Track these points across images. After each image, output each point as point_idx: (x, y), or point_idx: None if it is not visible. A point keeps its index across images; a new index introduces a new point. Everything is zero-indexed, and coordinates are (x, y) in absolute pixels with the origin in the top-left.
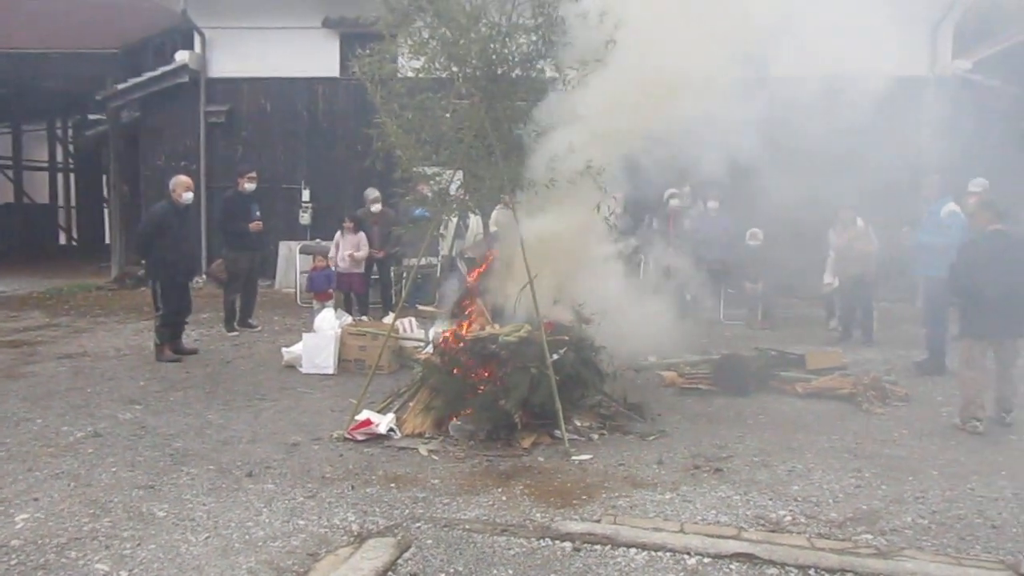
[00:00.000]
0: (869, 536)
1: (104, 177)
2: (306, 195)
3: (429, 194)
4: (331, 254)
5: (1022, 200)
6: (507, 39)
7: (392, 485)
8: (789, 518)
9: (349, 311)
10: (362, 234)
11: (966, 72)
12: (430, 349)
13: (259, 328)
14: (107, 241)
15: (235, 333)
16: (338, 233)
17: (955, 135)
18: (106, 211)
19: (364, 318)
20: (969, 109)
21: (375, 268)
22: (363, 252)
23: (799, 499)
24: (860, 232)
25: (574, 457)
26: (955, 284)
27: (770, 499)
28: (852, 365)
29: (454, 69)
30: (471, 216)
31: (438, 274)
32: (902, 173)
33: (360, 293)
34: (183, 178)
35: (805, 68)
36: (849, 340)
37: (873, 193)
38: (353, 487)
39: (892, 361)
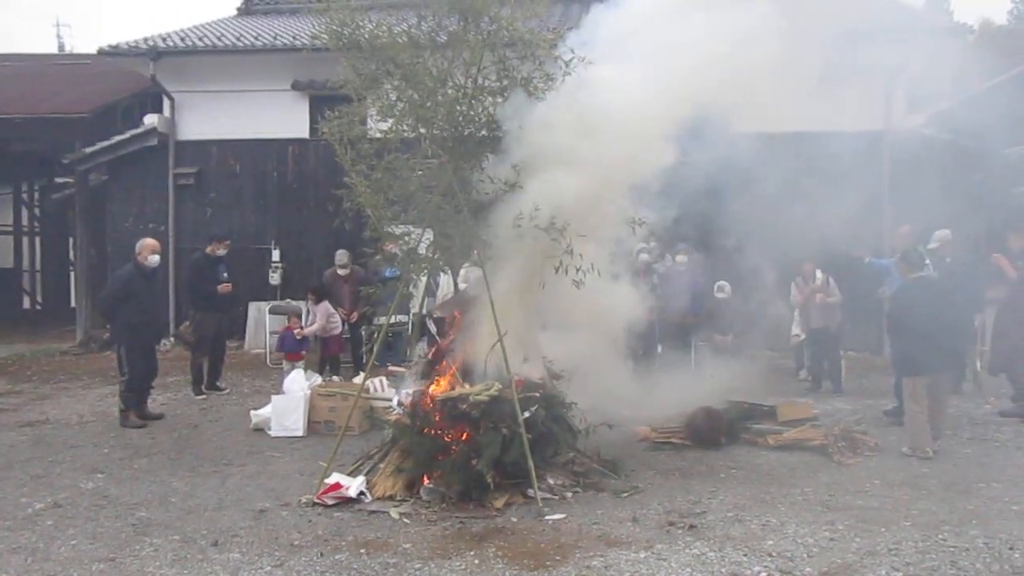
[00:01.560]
0: None
1: (70, 240)
2: (276, 255)
3: (398, 253)
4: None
5: (977, 246)
6: (473, 101)
7: (363, 551)
8: (764, 574)
9: (321, 371)
10: (325, 304)
11: (919, 127)
12: (399, 410)
13: (227, 391)
14: (72, 305)
15: (203, 396)
16: (304, 302)
17: (912, 187)
18: (72, 275)
19: (335, 378)
20: (924, 162)
21: (346, 328)
22: (313, 328)
23: (774, 554)
24: (821, 285)
25: (547, 517)
26: (889, 328)
27: (745, 555)
28: (822, 416)
29: (421, 130)
30: (441, 275)
31: (409, 333)
32: (866, 225)
33: (335, 355)
34: (149, 241)
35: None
36: (818, 391)
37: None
38: (322, 554)
39: (861, 411)
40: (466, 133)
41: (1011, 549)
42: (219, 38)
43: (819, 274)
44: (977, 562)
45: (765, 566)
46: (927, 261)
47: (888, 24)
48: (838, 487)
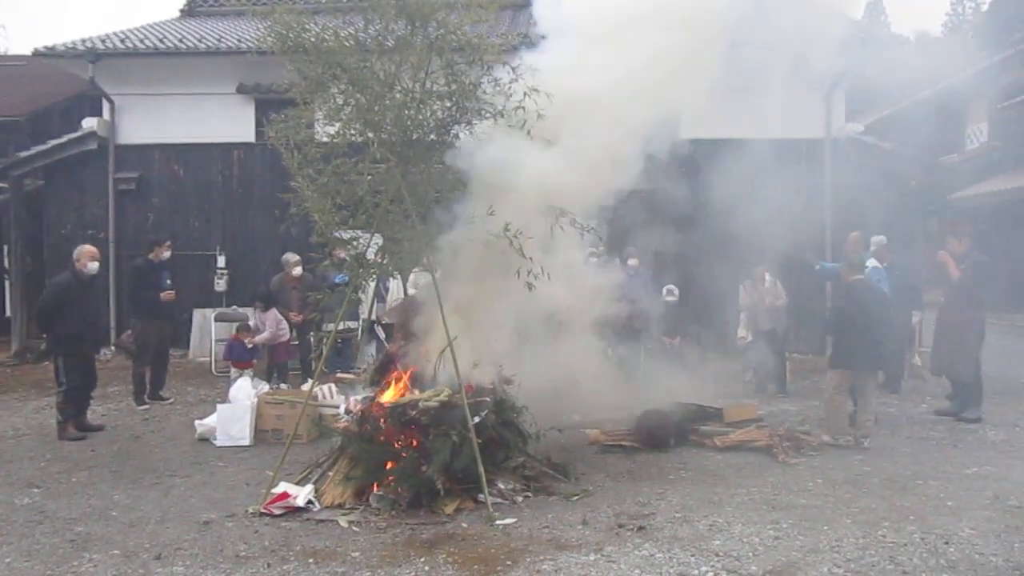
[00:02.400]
0: None
1: (4, 248)
2: (221, 261)
3: (346, 258)
4: (252, 326)
5: (915, 250)
6: (421, 105)
7: (311, 560)
8: (711, 574)
9: (269, 378)
10: (272, 311)
11: (859, 134)
12: (347, 417)
13: (171, 400)
14: (7, 315)
15: (145, 407)
16: (252, 309)
17: (853, 193)
18: (6, 283)
19: (283, 385)
20: (864, 168)
21: (294, 334)
22: (263, 336)
23: (720, 554)
24: (769, 288)
25: (498, 522)
26: (825, 325)
27: (692, 555)
28: (767, 417)
29: (369, 135)
30: (391, 280)
31: (358, 338)
32: (812, 229)
33: (283, 362)
34: (87, 247)
35: (716, 131)
36: (764, 393)
37: (784, 249)
38: (269, 565)
39: (805, 411)
40: (414, 137)
41: (946, 544)
42: (161, 40)
43: (768, 277)
44: (914, 557)
45: (712, 566)
46: (869, 266)
47: (828, 34)
48: (782, 486)
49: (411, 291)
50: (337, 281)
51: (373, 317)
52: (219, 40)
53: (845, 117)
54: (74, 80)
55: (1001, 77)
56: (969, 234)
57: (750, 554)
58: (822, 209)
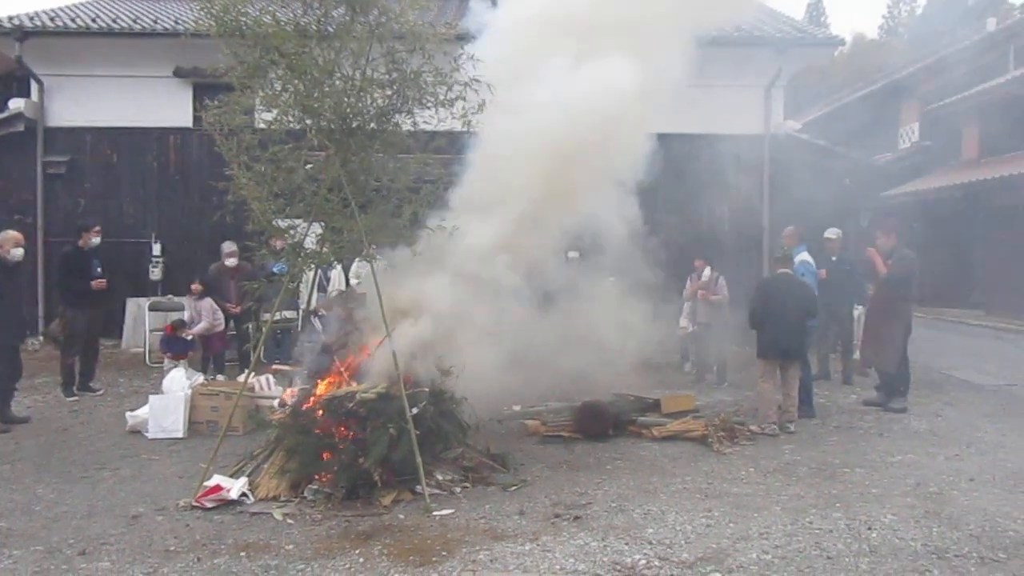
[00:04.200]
0: (718, 574)
1: None
2: (156, 249)
3: (282, 247)
4: (187, 316)
5: (847, 245)
6: (361, 93)
7: (243, 554)
8: (644, 561)
9: (205, 370)
10: (208, 300)
11: (796, 131)
12: (283, 409)
13: (101, 392)
14: None
15: (74, 398)
16: (186, 298)
17: (790, 188)
18: None
19: (219, 377)
20: (800, 165)
21: (231, 324)
22: (200, 327)
23: (653, 542)
24: (709, 282)
25: (435, 512)
26: (750, 315)
27: (626, 544)
28: (704, 407)
29: (308, 122)
30: (332, 270)
31: (298, 329)
32: (751, 224)
33: (219, 352)
34: (11, 233)
35: (659, 126)
36: (702, 383)
37: (726, 243)
38: (199, 559)
39: (741, 402)
40: (354, 125)
41: (869, 529)
42: (94, 19)
43: (708, 271)
44: (839, 543)
45: (645, 553)
46: (798, 260)
47: (769, 35)
48: (716, 475)
49: (353, 281)
50: (275, 270)
51: (312, 307)
52: (155, 21)
53: (784, 115)
54: (1, 60)
55: (933, 79)
56: (897, 230)
57: (682, 541)
58: (761, 203)
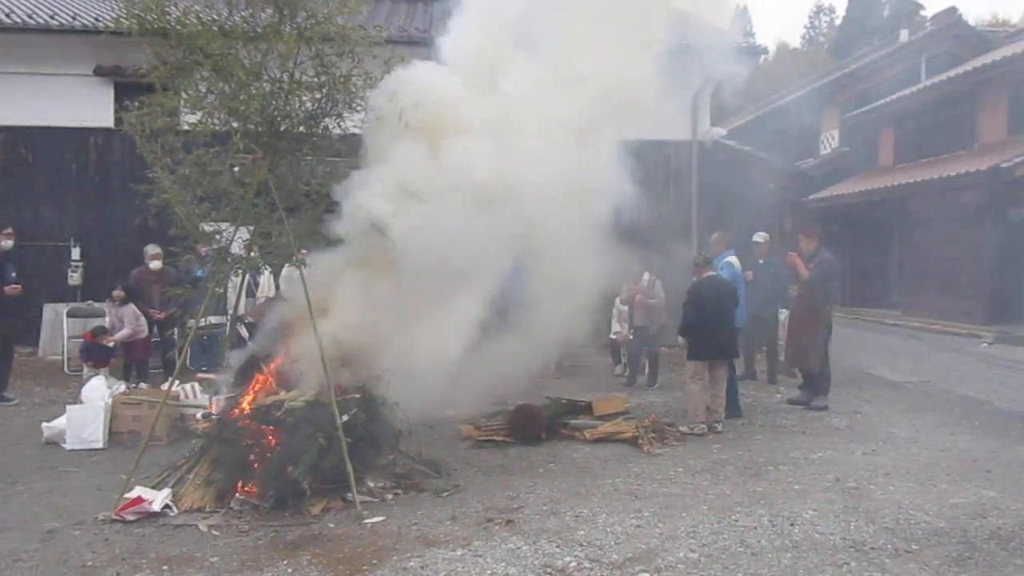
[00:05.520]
0: (646, 574)
1: None
2: (76, 253)
3: (206, 252)
4: (108, 322)
5: (775, 246)
6: (289, 96)
7: (165, 568)
8: (574, 564)
9: (127, 378)
10: (131, 306)
11: (722, 137)
12: (208, 417)
13: (15, 401)
14: None
15: None
16: (107, 304)
17: (718, 192)
18: None
19: (142, 385)
20: (727, 171)
21: (155, 331)
22: (123, 334)
23: (584, 544)
24: (646, 287)
25: (366, 520)
26: (685, 321)
27: (557, 547)
28: (635, 409)
29: (234, 124)
30: (260, 275)
31: (226, 335)
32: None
33: (142, 359)
34: None
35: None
36: (633, 385)
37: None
38: (119, 574)
39: (671, 403)
40: (282, 128)
41: (791, 525)
42: (7, 15)
43: (646, 276)
44: (762, 539)
45: (575, 556)
46: (722, 263)
47: (695, 42)
48: (646, 476)
49: (284, 286)
50: (199, 275)
51: (239, 313)
52: (74, 17)
53: (710, 121)
54: None
55: (851, 88)
56: (818, 234)
57: (612, 543)
58: (689, 208)
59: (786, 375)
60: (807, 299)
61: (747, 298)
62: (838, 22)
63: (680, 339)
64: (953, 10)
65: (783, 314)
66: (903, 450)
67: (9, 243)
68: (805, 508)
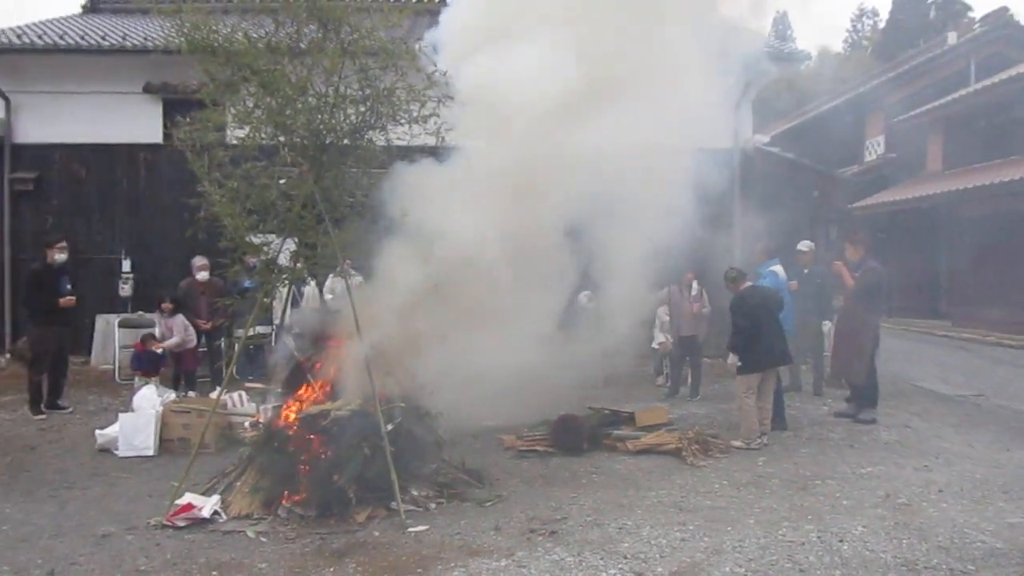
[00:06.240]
0: None
1: None
2: (126, 265)
3: (254, 263)
4: (158, 332)
5: (820, 255)
6: (334, 110)
7: (215, 573)
8: None
9: (176, 387)
10: (179, 317)
11: (764, 144)
12: (256, 426)
13: (70, 410)
14: None
15: (42, 416)
16: (157, 314)
17: (761, 201)
18: None
19: (191, 394)
20: (769, 179)
21: (203, 341)
22: (172, 342)
23: (629, 556)
24: (697, 296)
25: (410, 529)
26: (738, 332)
27: (601, 559)
28: (678, 420)
29: (281, 138)
30: (306, 286)
31: (272, 345)
32: (723, 237)
33: (191, 369)
34: None
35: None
36: (676, 396)
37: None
38: None
39: (714, 415)
40: (328, 141)
41: (840, 541)
42: (61, 36)
43: (695, 285)
44: (811, 555)
45: (620, 568)
46: (766, 272)
47: (735, 49)
48: (690, 489)
49: (328, 297)
50: (247, 286)
51: (284, 324)
52: (124, 38)
53: (752, 129)
54: None
55: (897, 91)
56: (865, 243)
57: (657, 556)
58: (731, 217)
59: (832, 387)
60: (853, 309)
61: (792, 308)
62: (882, 25)
63: (731, 356)
64: (1004, 10)
65: (827, 325)
66: (956, 466)
67: (63, 256)
68: (854, 524)
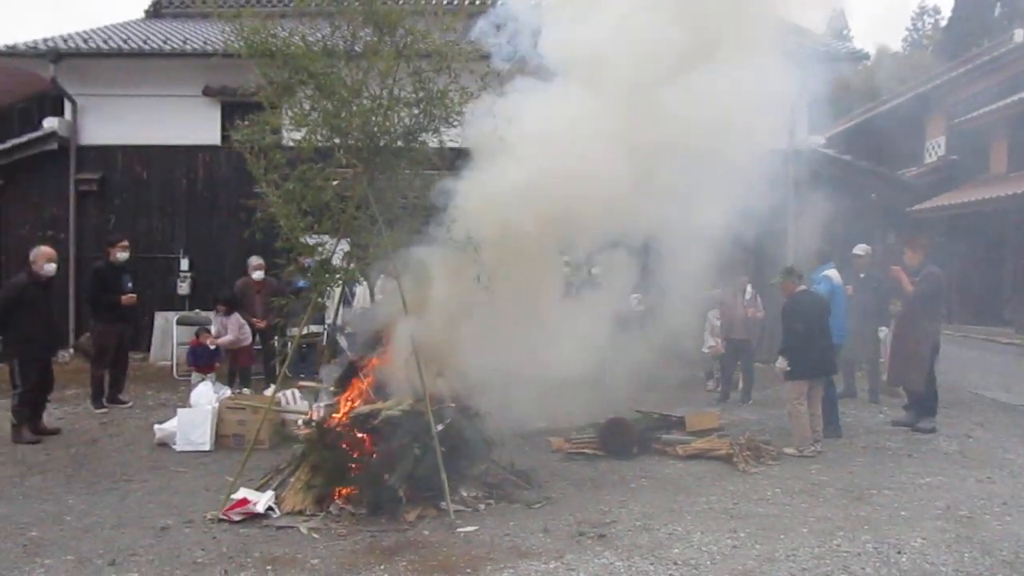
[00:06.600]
0: None
1: None
2: (184, 264)
3: (309, 263)
4: (214, 331)
5: (879, 259)
6: (388, 112)
7: (269, 568)
8: None
9: (231, 383)
10: (235, 315)
11: (820, 146)
12: (309, 424)
13: (130, 404)
14: None
15: (103, 410)
16: (214, 313)
17: (816, 204)
18: None
19: (245, 390)
20: (824, 181)
21: (258, 339)
22: (226, 339)
23: (679, 562)
24: (752, 299)
25: (459, 529)
26: (793, 336)
27: (651, 564)
28: (729, 426)
29: (336, 140)
30: (357, 285)
31: (323, 344)
32: (776, 241)
33: (246, 367)
34: (45, 249)
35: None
36: (726, 401)
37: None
38: (227, 571)
39: (766, 420)
40: (382, 144)
41: (899, 553)
42: (125, 41)
43: (750, 289)
44: (867, 566)
45: (670, 574)
46: (824, 275)
47: (790, 48)
48: (741, 495)
49: (378, 297)
50: (301, 286)
51: (337, 323)
52: (184, 42)
53: (807, 130)
54: (35, 79)
55: (959, 92)
56: (924, 247)
57: (708, 563)
58: (785, 220)
59: (889, 394)
60: (912, 315)
61: (847, 313)
62: (943, 23)
63: (781, 360)
64: None
65: (883, 331)
66: (1021, 478)
67: (126, 255)
68: (913, 536)
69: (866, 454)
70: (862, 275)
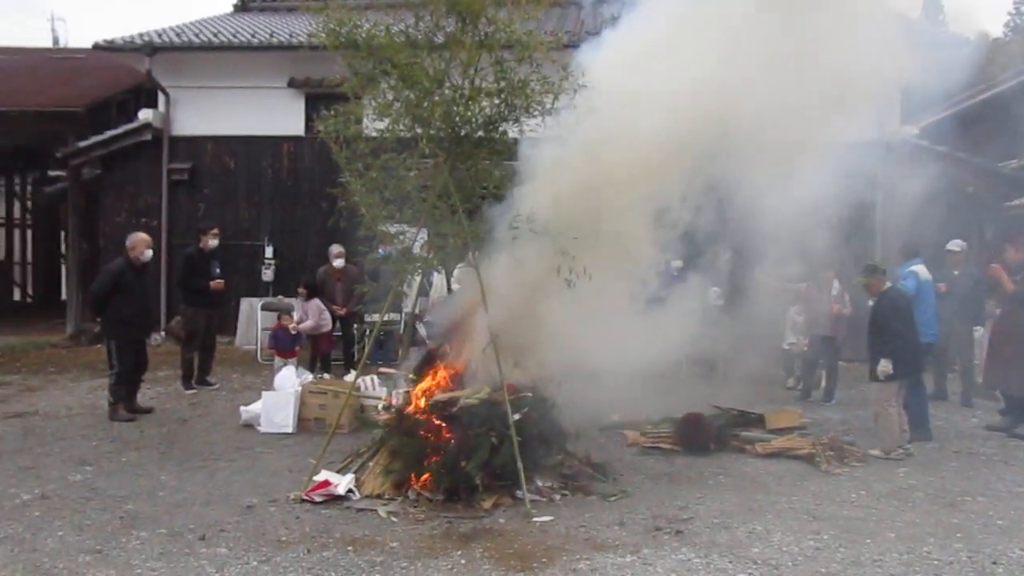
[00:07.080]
0: None
1: (62, 234)
2: (269, 252)
3: (387, 251)
4: (296, 317)
5: (975, 256)
6: (470, 102)
7: (349, 548)
8: None
9: (312, 368)
10: (316, 301)
11: (914, 137)
12: (388, 410)
13: (217, 386)
14: (63, 298)
15: (193, 391)
16: (296, 299)
17: (908, 197)
18: (63, 268)
19: (326, 376)
20: (920, 173)
21: (337, 325)
22: (307, 324)
23: (759, 562)
24: (839, 296)
25: (535, 519)
26: (889, 335)
27: (730, 562)
28: (811, 425)
29: (418, 130)
30: (435, 274)
31: (401, 332)
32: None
33: (326, 352)
34: (141, 235)
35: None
36: (808, 399)
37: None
38: (309, 551)
39: (849, 420)
40: (463, 134)
41: (994, 564)
42: (215, 35)
43: (836, 284)
44: None
45: (750, 573)
46: (910, 271)
47: (884, 36)
48: (824, 497)
49: (455, 286)
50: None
51: (415, 312)
52: (271, 35)
53: (900, 120)
54: (131, 73)
55: None
56: None
57: (789, 563)
58: (874, 213)
59: (984, 398)
60: (1012, 315)
61: (940, 312)
62: None
63: (884, 362)
64: None
65: (978, 331)
66: None
67: (215, 242)
68: (1011, 547)
69: (958, 459)
70: (956, 272)
